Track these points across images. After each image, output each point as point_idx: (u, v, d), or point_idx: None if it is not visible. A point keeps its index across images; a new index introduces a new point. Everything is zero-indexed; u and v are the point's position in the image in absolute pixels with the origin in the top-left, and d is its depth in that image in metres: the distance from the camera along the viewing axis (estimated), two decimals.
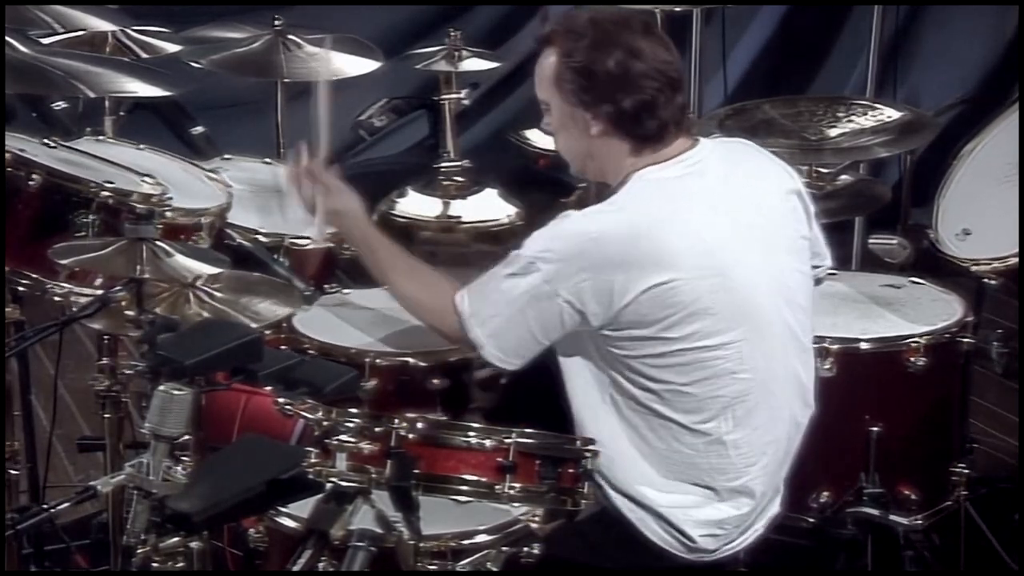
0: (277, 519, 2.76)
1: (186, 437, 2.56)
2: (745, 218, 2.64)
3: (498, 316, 2.63)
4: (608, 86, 2.59)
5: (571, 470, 2.43)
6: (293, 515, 2.72)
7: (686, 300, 2.54)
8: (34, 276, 3.04)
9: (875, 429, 3.28)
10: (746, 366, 2.60)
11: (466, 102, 4.23)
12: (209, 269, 3.00)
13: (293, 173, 2.89)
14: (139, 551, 2.44)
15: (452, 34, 4.22)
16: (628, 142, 2.63)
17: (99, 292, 2.97)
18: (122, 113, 3.93)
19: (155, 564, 2.46)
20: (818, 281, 2.87)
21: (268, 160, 3.97)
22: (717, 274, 2.57)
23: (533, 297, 2.59)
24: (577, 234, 2.58)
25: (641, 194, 2.61)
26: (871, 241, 3.97)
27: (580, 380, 2.68)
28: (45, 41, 3.96)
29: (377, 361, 3.08)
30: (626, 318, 2.56)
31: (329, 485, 2.40)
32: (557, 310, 2.59)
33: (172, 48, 4.10)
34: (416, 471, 2.38)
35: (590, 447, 2.44)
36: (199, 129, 4.40)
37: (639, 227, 2.56)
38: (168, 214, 3.16)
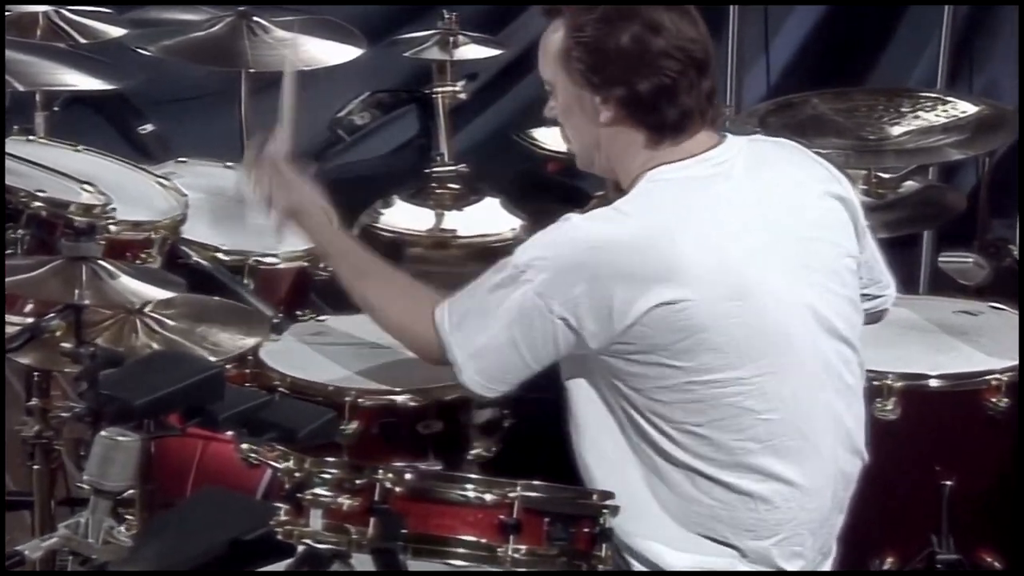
0: None
1: (132, 491, 2.57)
2: (776, 231, 2.65)
3: (482, 334, 2.65)
4: (621, 66, 2.60)
5: (586, 529, 2.43)
6: None
7: (697, 324, 2.55)
8: None
9: (948, 483, 3.28)
10: (772, 405, 2.60)
11: (462, 96, 4.25)
12: (160, 293, 3.01)
13: (251, 163, 2.94)
14: None
15: (446, 16, 4.24)
16: (643, 132, 2.65)
17: (29, 321, 2.98)
18: (56, 108, 3.95)
19: None
20: (877, 316, 2.87)
21: (230, 164, 3.99)
22: (737, 296, 2.57)
23: (523, 312, 2.60)
24: (576, 241, 2.60)
25: (653, 198, 2.63)
26: (942, 259, 3.98)
27: (587, 420, 2.69)
28: None
29: (359, 400, 3.09)
30: (628, 341, 2.57)
31: (301, 548, 2.41)
32: (550, 328, 2.60)
33: (116, 32, 4.12)
34: (404, 531, 2.39)
35: (608, 502, 2.45)
36: (148, 127, 4.42)
37: (647, 236, 2.57)
38: (112, 228, 3.18)
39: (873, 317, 2.86)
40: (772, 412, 2.61)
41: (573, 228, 2.62)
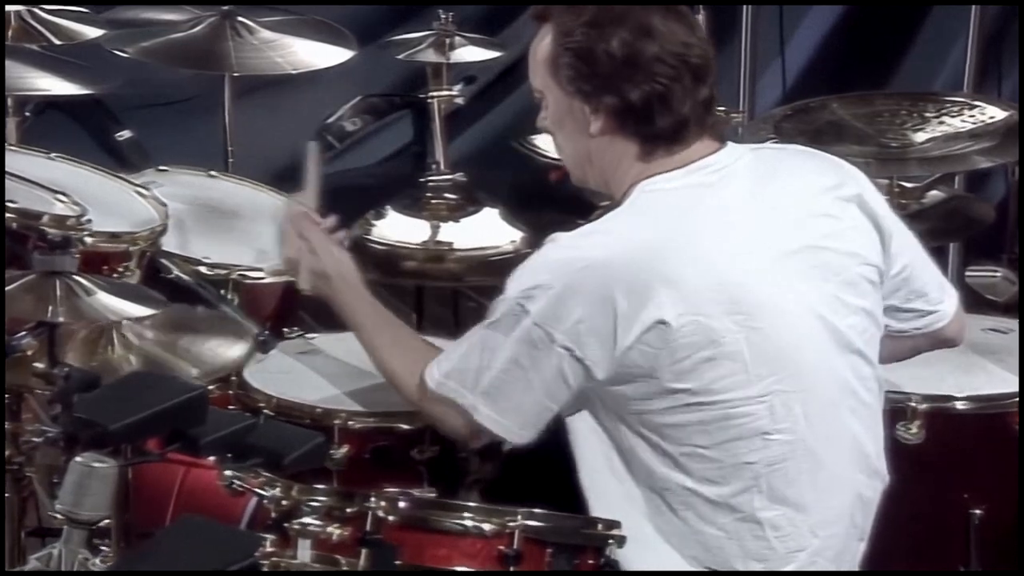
0: None
1: (108, 521, 2.56)
2: (782, 241, 2.65)
3: (488, 370, 2.64)
4: (611, 73, 2.61)
5: (591, 560, 2.43)
6: None
7: (700, 341, 2.55)
8: None
9: (977, 512, 3.27)
10: (781, 425, 2.61)
11: (459, 100, 4.25)
12: (139, 310, 3.01)
13: (281, 227, 3.01)
14: None
15: (442, 17, 4.24)
16: (635, 142, 2.65)
17: None
18: (28, 114, 3.95)
19: None
20: (936, 339, 2.88)
21: (213, 172, 3.99)
22: (738, 311, 2.58)
23: (527, 345, 2.60)
24: (566, 262, 2.60)
25: (645, 210, 2.63)
26: (969, 273, 3.98)
27: (587, 452, 2.69)
28: None
29: (349, 423, 3.09)
30: (630, 364, 2.57)
31: None
32: (556, 361, 2.60)
33: (92, 33, 4.12)
34: (398, 562, 2.38)
35: (614, 531, 2.44)
36: (126, 134, 4.42)
37: (639, 251, 2.58)
38: (88, 240, 3.17)
39: (929, 339, 2.87)
40: (782, 433, 2.61)
41: (561, 250, 2.62)
